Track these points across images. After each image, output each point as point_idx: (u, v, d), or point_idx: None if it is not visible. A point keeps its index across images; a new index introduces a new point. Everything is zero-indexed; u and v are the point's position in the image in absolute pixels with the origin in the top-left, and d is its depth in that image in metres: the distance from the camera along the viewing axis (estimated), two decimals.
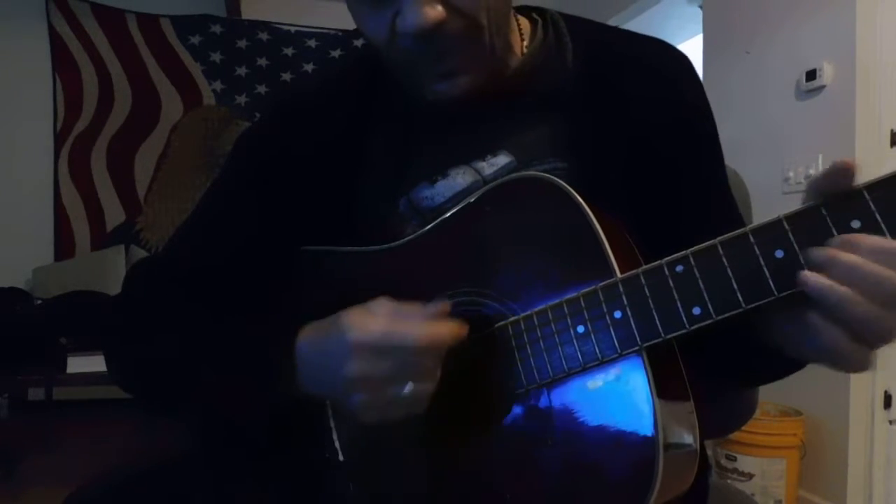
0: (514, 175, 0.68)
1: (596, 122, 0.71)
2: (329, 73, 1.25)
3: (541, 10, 0.79)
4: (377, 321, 0.58)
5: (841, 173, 0.47)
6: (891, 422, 2.25)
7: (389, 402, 0.58)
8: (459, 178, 0.72)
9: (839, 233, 0.46)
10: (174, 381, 0.71)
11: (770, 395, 2.31)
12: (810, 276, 0.47)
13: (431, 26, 0.61)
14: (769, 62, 2.59)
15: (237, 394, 0.66)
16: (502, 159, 0.72)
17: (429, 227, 0.69)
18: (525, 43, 0.75)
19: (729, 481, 2.23)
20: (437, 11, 0.60)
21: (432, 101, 0.68)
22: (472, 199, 0.66)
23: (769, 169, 2.46)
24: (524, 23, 0.76)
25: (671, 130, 0.71)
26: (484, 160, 0.72)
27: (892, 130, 2.23)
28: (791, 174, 2.44)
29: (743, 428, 1.06)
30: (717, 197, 0.75)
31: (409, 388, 0.57)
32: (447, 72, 0.66)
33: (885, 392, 2.24)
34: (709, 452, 2.30)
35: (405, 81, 0.70)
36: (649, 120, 0.70)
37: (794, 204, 0.49)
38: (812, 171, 2.36)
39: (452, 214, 0.67)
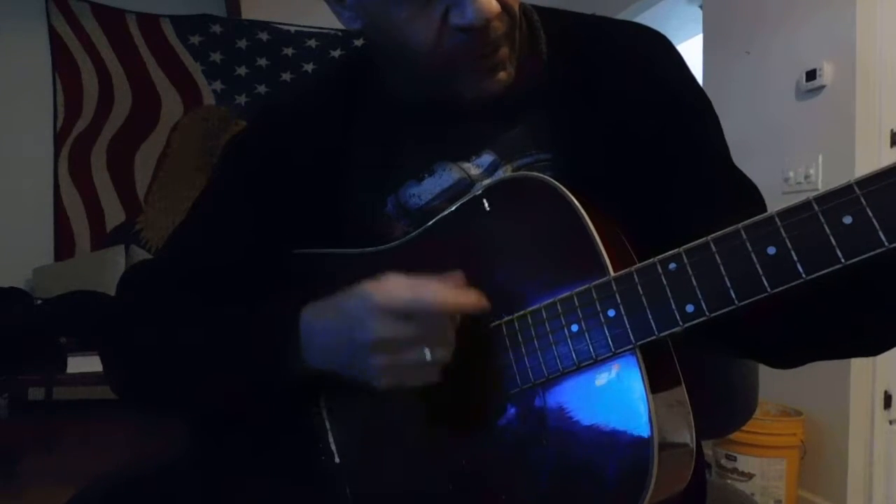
0: (507, 175, 0.68)
1: (575, 110, 0.71)
2: (314, 77, 1.26)
3: None
4: (401, 287, 0.58)
5: None
6: (891, 422, 2.25)
7: (408, 367, 0.58)
8: (446, 175, 0.73)
9: (830, 229, 0.46)
10: (172, 374, 0.71)
11: (770, 395, 2.30)
12: None
13: (494, 16, 0.62)
14: (769, 62, 2.59)
15: (238, 375, 0.67)
16: (486, 158, 0.73)
17: (422, 228, 0.69)
18: None
19: (729, 481, 2.22)
20: (495, 3, 0.62)
21: (474, 98, 0.69)
22: (465, 200, 0.67)
23: (769, 169, 2.45)
24: None
25: (652, 109, 0.70)
26: (469, 161, 0.73)
27: (892, 130, 2.23)
28: (791, 174, 2.44)
29: (743, 428, 1.06)
30: (716, 170, 0.72)
31: (429, 353, 0.57)
32: (492, 67, 0.67)
33: (885, 392, 2.24)
34: (709, 452, 2.32)
35: (444, 81, 0.69)
36: (628, 101, 0.70)
37: None
38: (812, 171, 2.36)
39: (445, 215, 0.68)
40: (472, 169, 0.72)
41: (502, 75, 0.68)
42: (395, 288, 0.58)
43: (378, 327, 0.58)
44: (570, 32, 0.75)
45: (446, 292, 0.58)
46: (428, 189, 0.73)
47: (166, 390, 0.73)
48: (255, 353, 0.66)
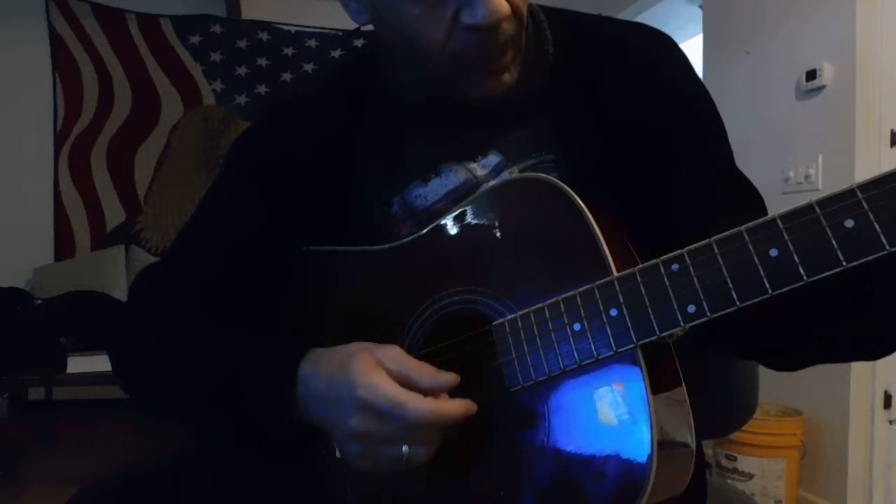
0: (512, 176, 0.68)
1: (580, 110, 0.71)
2: (319, 77, 1.25)
3: None
4: (387, 384, 0.58)
5: None
6: (891, 422, 2.25)
7: (383, 460, 0.59)
8: (452, 176, 0.73)
9: (832, 232, 0.46)
10: (176, 389, 0.72)
11: (770, 395, 2.31)
12: None
13: (504, 17, 0.62)
14: (769, 62, 2.59)
15: (238, 410, 0.67)
16: (492, 159, 0.73)
17: (429, 227, 0.70)
18: None
19: (729, 481, 2.22)
20: (506, 4, 0.63)
21: (477, 98, 0.69)
22: (471, 200, 0.67)
23: (769, 169, 2.45)
24: None
25: (656, 110, 0.70)
26: (475, 161, 0.73)
27: (892, 130, 2.23)
28: (791, 174, 2.44)
29: (743, 428, 1.06)
30: (719, 172, 0.72)
31: (405, 452, 0.58)
32: (497, 69, 0.67)
33: (885, 392, 2.24)
34: (709, 452, 2.32)
35: (449, 80, 0.69)
36: (633, 102, 0.70)
37: (795, 204, 0.49)
38: (812, 171, 2.36)
39: (451, 215, 0.68)
40: (478, 170, 0.73)
41: (506, 77, 0.68)
42: (382, 384, 0.58)
43: (357, 422, 0.58)
44: (576, 32, 0.75)
45: (431, 403, 0.57)
46: (434, 190, 0.73)
47: (169, 401, 0.75)
48: (253, 404, 0.66)
